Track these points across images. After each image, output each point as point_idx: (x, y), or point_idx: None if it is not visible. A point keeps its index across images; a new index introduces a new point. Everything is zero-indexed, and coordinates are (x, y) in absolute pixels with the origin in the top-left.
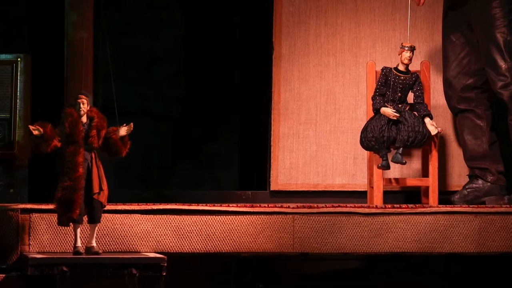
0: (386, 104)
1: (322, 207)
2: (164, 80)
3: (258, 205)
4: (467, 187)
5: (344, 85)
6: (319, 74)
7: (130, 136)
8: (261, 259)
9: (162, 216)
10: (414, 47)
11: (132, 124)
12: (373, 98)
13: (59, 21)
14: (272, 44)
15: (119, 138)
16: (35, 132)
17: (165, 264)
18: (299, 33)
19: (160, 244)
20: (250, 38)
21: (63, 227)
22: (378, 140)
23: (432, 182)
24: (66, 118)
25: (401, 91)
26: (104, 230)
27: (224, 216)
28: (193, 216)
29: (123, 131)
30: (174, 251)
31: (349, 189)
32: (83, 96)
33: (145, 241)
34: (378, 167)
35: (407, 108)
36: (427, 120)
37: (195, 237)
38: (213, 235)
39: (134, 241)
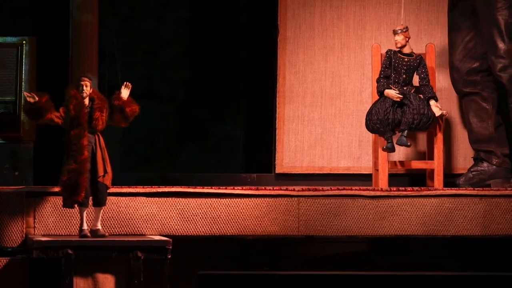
0: (390, 86)
1: (327, 189)
2: (169, 63)
3: (263, 187)
4: (472, 170)
5: (349, 68)
6: (324, 57)
7: (135, 119)
8: (266, 242)
9: (167, 199)
10: (405, 28)
11: (127, 83)
12: (378, 81)
13: (64, 4)
14: (277, 27)
15: (125, 100)
16: (30, 99)
17: (170, 247)
18: (304, 16)
19: (165, 227)
20: (255, 21)
21: (68, 210)
22: (383, 122)
23: (437, 164)
24: (70, 101)
25: (406, 73)
26: (109, 213)
27: (229, 199)
28: (198, 199)
29: (124, 93)
30: (179, 234)
31: (354, 172)
32: (86, 79)
33: (150, 224)
34: (383, 150)
35: (412, 91)
36: (432, 102)
37: (200, 220)
38: (218, 218)
39: (139, 224)
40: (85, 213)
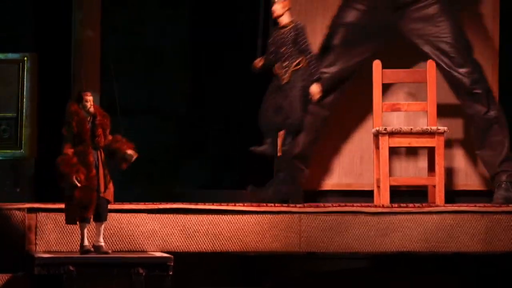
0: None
1: (329, 206)
2: (170, 78)
3: (264, 204)
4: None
5: (352, 82)
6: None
7: (136, 134)
8: (267, 258)
9: (169, 215)
10: None
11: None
12: None
13: (65, 20)
14: None
15: (128, 160)
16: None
17: (172, 264)
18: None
19: (167, 243)
20: (256, 37)
21: (69, 226)
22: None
23: (438, 181)
24: (72, 117)
25: (283, 46)
26: (111, 229)
27: (231, 216)
28: (200, 216)
29: (131, 156)
30: (181, 251)
31: (356, 189)
32: (89, 93)
33: (151, 241)
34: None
35: (295, 63)
36: (313, 87)
37: (201, 236)
38: (219, 234)
39: (141, 240)
40: (86, 229)
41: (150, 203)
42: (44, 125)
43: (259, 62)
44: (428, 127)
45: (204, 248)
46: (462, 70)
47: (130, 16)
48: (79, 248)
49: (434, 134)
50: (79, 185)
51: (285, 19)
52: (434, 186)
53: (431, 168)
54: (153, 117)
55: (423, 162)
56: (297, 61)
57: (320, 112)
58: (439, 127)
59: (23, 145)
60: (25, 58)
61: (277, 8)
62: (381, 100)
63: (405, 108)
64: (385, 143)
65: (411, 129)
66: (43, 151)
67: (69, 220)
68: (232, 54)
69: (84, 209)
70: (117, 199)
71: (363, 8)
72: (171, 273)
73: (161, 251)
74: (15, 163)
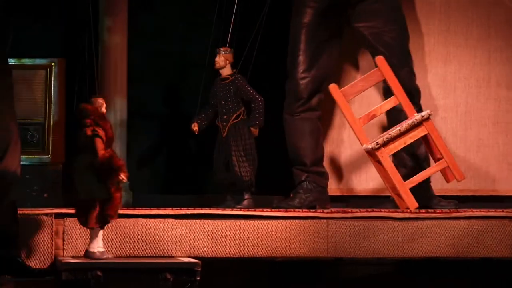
0: (199, 117)
1: (356, 211)
2: (195, 85)
3: (292, 209)
4: None
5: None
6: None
7: (163, 140)
8: (295, 264)
9: (196, 220)
10: (228, 50)
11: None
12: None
13: (93, 26)
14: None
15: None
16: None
17: (199, 269)
18: None
19: (194, 248)
20: (282, 44)
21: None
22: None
23: (449, 160)
24: (105, 121)
25: (223, 99)
26: (138, 234)
27: (259, 221)
28: (227, 221)
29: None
30: (208, 256)
31: (383, 194)
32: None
33: (179, 246)
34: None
35: (233, 117)
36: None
37: (229, 241)
38: (247, 239)
39: (168, 245)
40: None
41: (177, 208)
42: (71, 131)
43: (194, 127)
44: (414, 119)
45: (232, 253)
46: (405, 69)
47: (157, 22)
48: (91, 253)
49: (421, 122)
50: (125, 180)
51: (226, 71)
52: (447, 167)
53: (434, 155)
54: (179, 122)
55: None
56: (236, 114)
57: (313, 115)
58: (422, 114)
59: (50, 150)
60: (53, 64)
61: (220, 60)
62: (355, 117)
63: (380, 111)
64: (384, 155)
65: (399, 129)
66: (70, 156)
67: (89, 224)
68: (256, 61)
69: (116, 210)
70: (144, 205)
71: (314, 5)
72: (198, 278)
73: (189, 257)
74: (42, 168)
